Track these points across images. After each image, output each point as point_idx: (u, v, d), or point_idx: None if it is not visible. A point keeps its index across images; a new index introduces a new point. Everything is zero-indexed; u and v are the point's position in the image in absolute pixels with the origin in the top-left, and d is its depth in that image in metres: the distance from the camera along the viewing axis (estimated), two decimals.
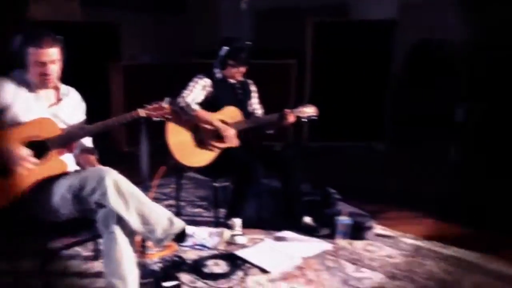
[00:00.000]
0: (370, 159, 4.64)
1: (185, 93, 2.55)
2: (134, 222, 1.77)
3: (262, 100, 2.91)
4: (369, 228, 2.65)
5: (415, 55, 6.29)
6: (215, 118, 2.61)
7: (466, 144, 5.12)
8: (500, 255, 2.42)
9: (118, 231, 1.75)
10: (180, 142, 2.56)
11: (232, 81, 2.74)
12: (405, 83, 6.03)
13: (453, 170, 4.45)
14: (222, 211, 2.74)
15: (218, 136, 2.62)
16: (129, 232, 1.79)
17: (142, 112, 2.01)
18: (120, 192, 1.74)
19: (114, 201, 1.73)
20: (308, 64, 4.72)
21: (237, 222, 2.60)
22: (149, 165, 2.42)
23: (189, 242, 2.24)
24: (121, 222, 1.75)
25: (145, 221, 1.79)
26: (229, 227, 2.59)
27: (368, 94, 4.85)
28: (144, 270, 2.05)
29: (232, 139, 2.58)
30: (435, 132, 5.49)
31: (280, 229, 2.72)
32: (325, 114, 4.71)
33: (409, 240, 2.63)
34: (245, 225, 2.67)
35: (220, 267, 2.28)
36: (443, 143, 5.22)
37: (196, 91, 2.57)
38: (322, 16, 5.20)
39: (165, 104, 2.06)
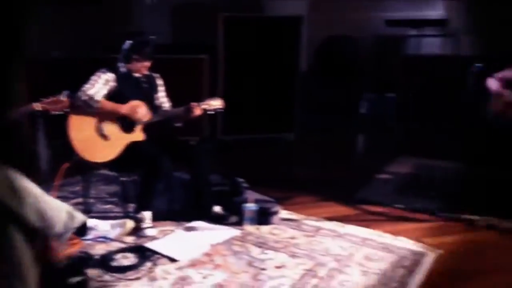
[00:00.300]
0: (281, 149, 4.86)
1: (86, 87, 2.51)
2: (31, 219, 1.73)
3: (176, 95, 2.94)
4: (275, 213, 2.81)
5: (325, 50, 6.65)
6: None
7: (371, 134, 5.55)
8: (387, 230, 2.70)
9: (14, 229, 1.71)
10: (83, 137, 2.52)
11: (137, 75, 2.74)
12: (316, 77, 6.37)
13: (359, 158, 4.81)
14: (134, 206, 2.74)
15: (124, 128, 2.61)
16: (27, 230, 1.75)
17: (37, 106, 1.96)
18: (13, 189, 1.69)
19: (8, 199, 1.68)
20: (220, 58, 4.81)
21: (147, 215, 2.62)
22: (54, 162, 2.36)
23: (91, 235, 2.23)
24: (17, 219, 1.71)
25: (43, 216, 1.76)
26: (139, 220, 2.61)
27: (279, 87, 5.05)
28: (49, 268, 2.01)
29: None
30: (344, 123, 5.87)
31: (191, 220, 2.78)
32: (239, 107, 4.90)
33: (311, 222, 2.83)
34: (157, 218, 2.70)
35: (129, 259, 2.30)
36: (351, 133, 5.61)
37: (98, 86, 2.54)
38: (237, 12, 5.33)
39: (63, 97, 2.03)
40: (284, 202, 3.12)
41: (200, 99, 2.82)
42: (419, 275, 2.21)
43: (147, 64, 2.70)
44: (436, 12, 6.52)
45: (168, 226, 2.72)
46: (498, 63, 3.24)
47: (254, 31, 4.95)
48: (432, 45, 6.41)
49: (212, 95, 3.90)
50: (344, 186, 3.56)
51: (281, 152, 4.79)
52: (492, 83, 3.13)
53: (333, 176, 3.86)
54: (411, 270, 2.25)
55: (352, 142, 5.29)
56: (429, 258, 2.38)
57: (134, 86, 2.71)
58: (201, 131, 4.77)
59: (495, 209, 2.92)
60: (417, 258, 2.37)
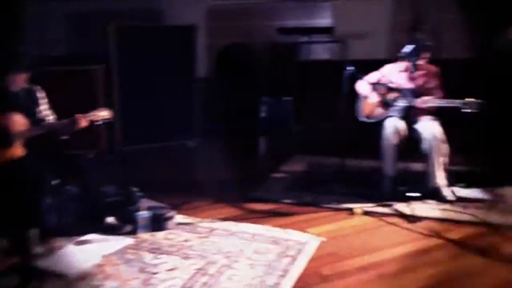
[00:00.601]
0: (182, 156, 4.92)
1: None
2: None
3: (70, 107, 2.85)
4: (169, 218, 2.86)
5: (224, 57, 6.82)
6: None
7: (271, 136, 5.79)
8: (276, 224, 2.90)
9: None
10: None
11: (15, 88, 2.63)
12: (216, 84, 6.51)
13: (259, 160, 5.01)
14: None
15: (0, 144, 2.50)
16: None
17: None
18: None
19: None
20: (114, 68, 4.74)
21: (34, 233, 2.53)
22: None
23: None
24: None
25: None
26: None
27: (177, 95, 5.11)
28: None
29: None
30: (245, 127, 6.06)
31: (83, 233, 2.73)
32: (138, 117, 4.87)
33: (206, 224, 2.93)
34: (46, 235, 2.62)
35: (13, 280, 2.21)
36: (252, 136, 5.81)
37: None
38: (134, 21, 5.31)
39: None
40: (181, 207, 3.19)
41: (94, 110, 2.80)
42: (302, 262, 2.41)
43: (24, 76, 2.61)
44: (324, 20, 7.03)
45: (59, 242, 2.64)
46: (370, 67, 3.59)
47: (148, 40, 4.97)
48: (322, 50, 6.90)
49: (108, 105, 3.86)
50: (241, 187, 3.70)
51: (182, 159, 4.85)
52: (361, 86, 3.49)
53: (231, 179, 4.01)
54: (295, 258, 2.45)
55: (253, 145, 5.50)
56: (312, 246, 2.60)
57: (12, 101, 2.60)
58: (100, 143, 4.67)
59: (371, 197, 3.26)
60: (301, 247, 2.57)
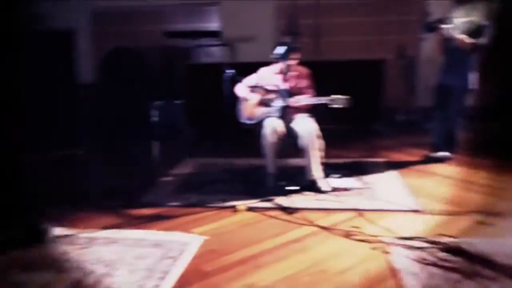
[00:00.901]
0: (69, 166, 4.67)
1: None
2: None
3: None
4: (45, 232, 2.72)
5: (112, 62, 6.61)
6: None
7: (163, 140, 5.74)
8: (161, 228, 2.90)
9: None
10: None
11: None
12: (103, 89, 6.28)
13: (151, 164, 4.94)
14: None
15: None
16: None
17: None
18: None
19: None
20: None
21: None
22: None
23: None
24: None
25: None
26: None
27: (61, 102, 4.85)
28: None
29: None
30: (136, 132, 5.93)
31: None
32: (18, 128, 4.50)
33: (86, 234, 2.83)
34: None
35: None
36: (144, 141, 5.70)
37: None
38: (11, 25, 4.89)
39: None
40: (61, 218, 3.04)
41: None
42: (183, 262, 2.45)
43: None
44: (213, 24, 7.17)
45: None
46: (256, 69, 3.72)
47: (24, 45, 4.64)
48: (212, 53, 7.03)
49: None
50: (129, 193, 3.63)
51: (67, 168, 4.60)
52: (240, 89, 3.63)
53: (120, 186, 3.91)
54: (176, 259, 2.48)
55: (144, 151, 5.41)
56: (195, 245, 2.65)
57: None
58: None
59: (255, 193, 3.42)
60: (183, 248, 2.61)
